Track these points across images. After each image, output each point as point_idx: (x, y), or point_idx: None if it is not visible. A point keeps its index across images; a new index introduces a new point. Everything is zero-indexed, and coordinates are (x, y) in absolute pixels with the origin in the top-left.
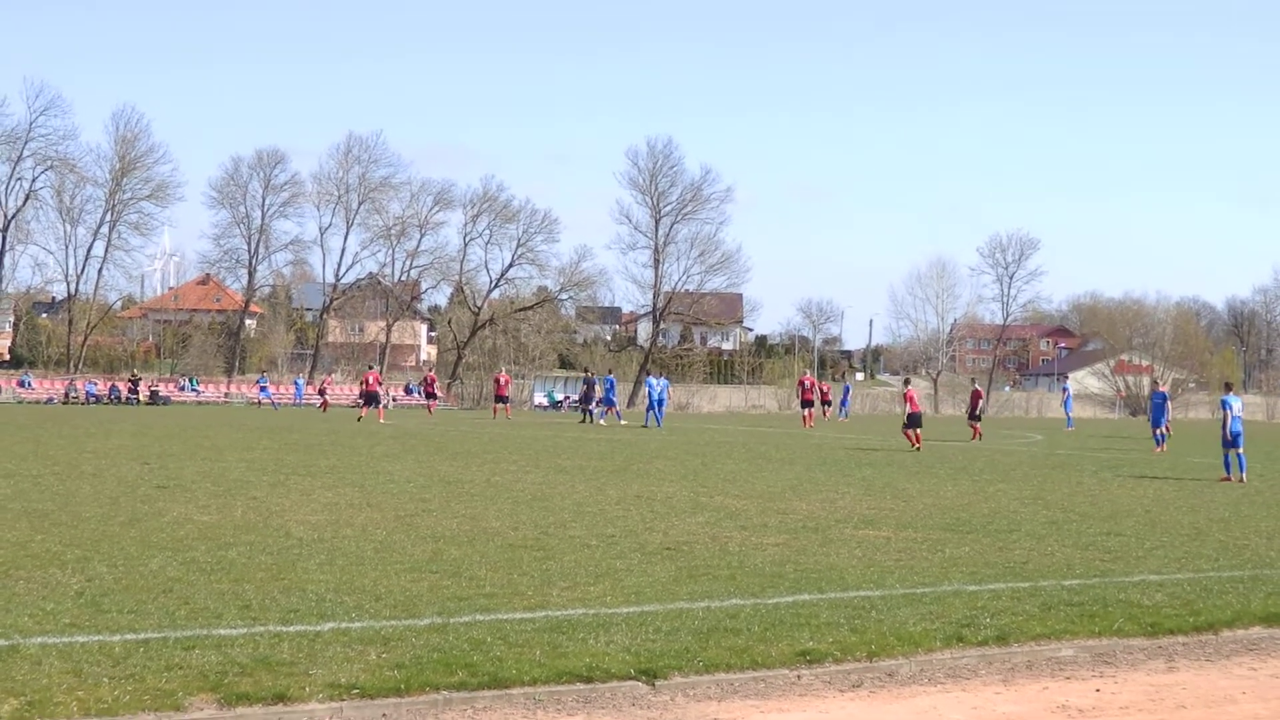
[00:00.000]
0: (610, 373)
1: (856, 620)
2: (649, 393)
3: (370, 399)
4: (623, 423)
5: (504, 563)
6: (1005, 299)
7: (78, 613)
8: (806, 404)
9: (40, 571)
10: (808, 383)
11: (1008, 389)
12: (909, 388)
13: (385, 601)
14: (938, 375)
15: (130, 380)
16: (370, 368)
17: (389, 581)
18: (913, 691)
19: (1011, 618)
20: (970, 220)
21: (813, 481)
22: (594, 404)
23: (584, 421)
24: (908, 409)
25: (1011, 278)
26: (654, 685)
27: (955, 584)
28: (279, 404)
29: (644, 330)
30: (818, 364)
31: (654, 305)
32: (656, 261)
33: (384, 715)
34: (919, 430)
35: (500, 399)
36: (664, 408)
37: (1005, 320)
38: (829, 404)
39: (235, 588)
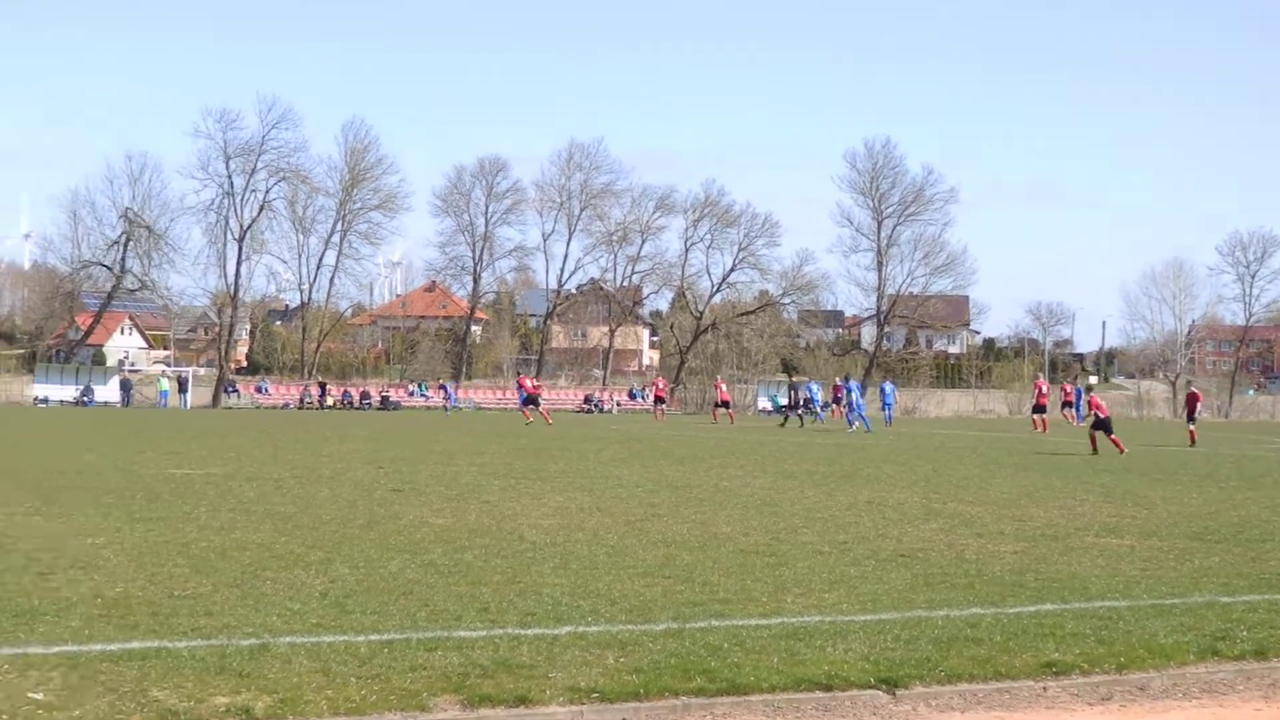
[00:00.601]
0: (811, 379)
1: (1103, 631)
2: (853, 396)
3: (530, 401)
4: (852, 429)
5: (736, 568)
6: (1247, 299)
7: (323, 613)
8: (1038, 409)
9: (285, 573)
10: (1043, 387)
11: (1251, 392)
12: (1092, 394)
13: (620, 606)
14: (1175, 378)
15: (319, 385)
16: (519, 373)
17: (623, 586)
18: (1165, 706)
19: (1270, 631)
20: (1207, 218)
21: (1049, 488)
22: (799, 408)
23: (783, 425)
24: (1095, 414)
25: (1254, 277)
26: (894, 694)
27: (1207, 595)
28: (457, 408)
29: (868, 334)
30: (1048, 367)
31: (878, 308)
32: (879, 264)
33: (624, 719)
34: (1113, 435)
35: (722, 404)
36: (891, 410)
37: (1248, 321)
38: (1070, 405)
39: (473, 590)
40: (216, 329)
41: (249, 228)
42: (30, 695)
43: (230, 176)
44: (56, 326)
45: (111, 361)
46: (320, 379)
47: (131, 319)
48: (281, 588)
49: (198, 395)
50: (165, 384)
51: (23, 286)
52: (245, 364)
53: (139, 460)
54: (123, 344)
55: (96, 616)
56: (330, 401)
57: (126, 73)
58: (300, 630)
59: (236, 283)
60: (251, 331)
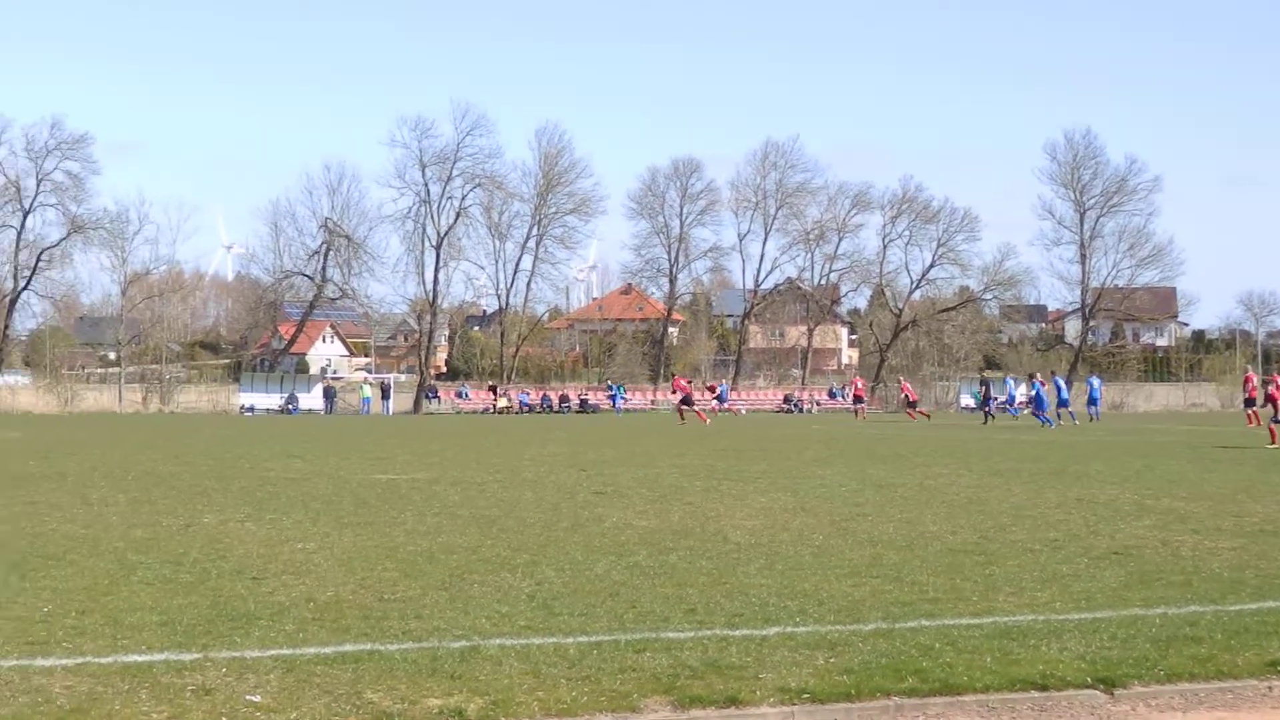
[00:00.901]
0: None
1: None
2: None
3: (686, 401)
4: (1055, 425)
5: (945, 567)
6: None
7: (531, 615)
8: (1249, 402)
9: (493, 575)
10: (1254, 380)
11: None
12: (1248, 372)
13: (828, 606)
14: None
15: (490, 388)
16: (674, 374)
17: (830, 586)
18: None
19: None
20: None
21: (1267, 483)
22: (990, 405)
23: (985, 423)
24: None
25: None
26: (1112, 694)
27: None
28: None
29: (1072, 328)
30: (1261, 359)
31: (1082, 302)
32: (1083, 257)
33: None
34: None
35: (910, 403)
36: (1098, 406)
37: None
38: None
39: (679, 591)
40: (416, 335)
41: (446, 234)
42: (248, 698)
43: (427, 184)
44: (260, 336)
45: (314, 370)
46: (491, 383)
47: (333, 327)
48: (489, 590)
49: (399, 401)
50: (368, 391)
51: (227, 298)
52: (445, 369)
53: (345, 466)
54: (325, 352)
55: (309, 620)
56: (504, 404)
57: (324, 84)
58: (509, 632)
59: (435, 289)
60: (450, 337)
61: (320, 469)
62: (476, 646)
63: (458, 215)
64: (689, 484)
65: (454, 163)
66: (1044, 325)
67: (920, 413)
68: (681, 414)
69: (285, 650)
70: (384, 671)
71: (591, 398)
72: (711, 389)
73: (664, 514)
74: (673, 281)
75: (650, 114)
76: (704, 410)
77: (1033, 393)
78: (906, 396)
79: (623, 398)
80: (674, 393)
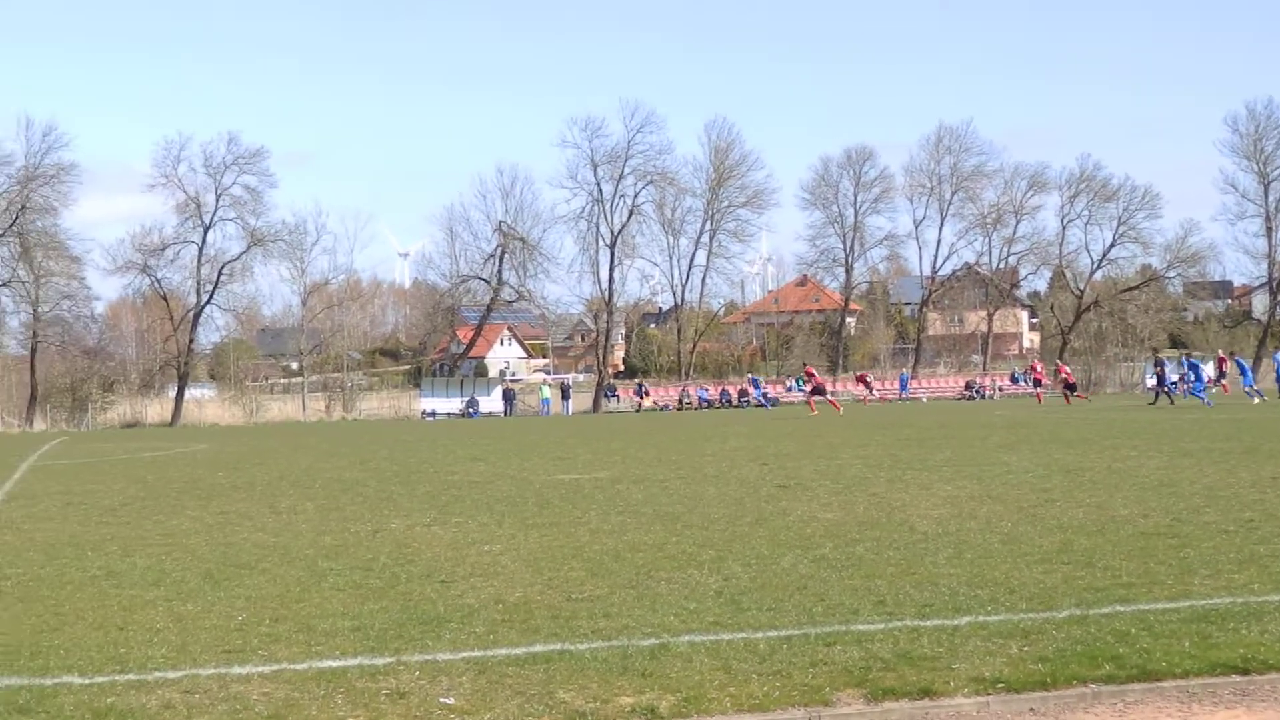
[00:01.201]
0: (1190, 355)
1: None
2: (1241, 371)
3: (818, 390)
4: (1255, 401)
5: (1138, 551)
6: None
7: (719, 611)
8: None
9: (679, 572)
10: None
11: None
12: None
13: (1019, 594)
14: None
15: (636, 385)
16: (805, 364)
17: (1020, 574)
18: None
19: None
20: None
21: None
22: (1164, 385)
23: (1172, 403)
24: None
25: None
26: None
27: None
28: (772, 402)
29: (1260, 303)
30: None
31: (1269, 276)
32: (1269, 230)
33: (1031, 709)
34: None
35: (1069, 387)
36: None
37: None
38: None
39: (867, 583)
40: (593, 335)
41: (619, 233)
42: (442, 700)
43: (599, 184)
44: (439, 341)
45: (493, 373)
46: (639, 380)
47: (510, 329)
48: (676, 587)
49: (578, 401)
50: (547, 392)
51: (405, 304)
52: (622, 368)
53: (527, 468)
54: (503, 355)
55: (499, 622)
56: (649, 404)
57: (493, 88)
58: (698, 629)
59: (610, 288)
60: (627, 336)
61: (503, 471)
62: (666, 644)
63: (631, 213)
64: (873, 474)
65: (625, 161)
66: (1230, 301)
67: (1078, 396)
68: (812, 404)
69: (476, 652)
70: (575, 671)
71: (770, 391)
72: (862, 378)
73: (849, 505)
74: (849, 271)
75: (820, 103)
76: (837, 399)
77: (1188, 370)
78: (1065, 379)
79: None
80: (806, 381)
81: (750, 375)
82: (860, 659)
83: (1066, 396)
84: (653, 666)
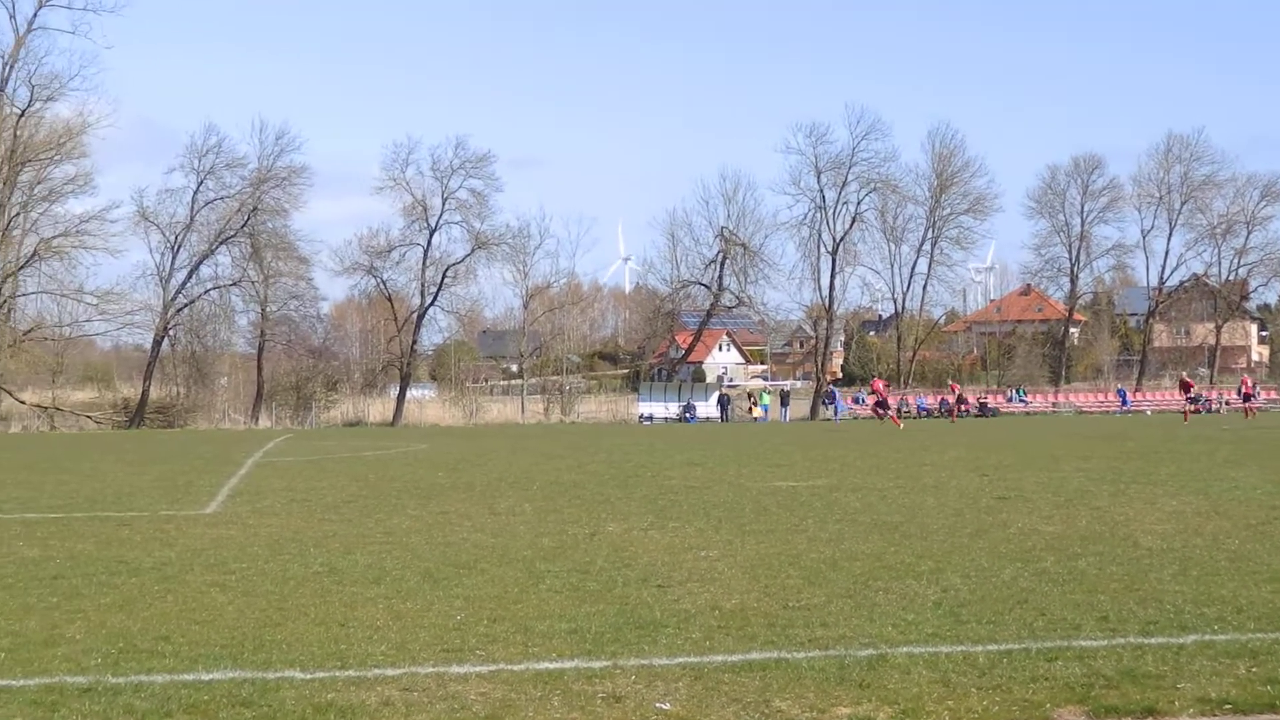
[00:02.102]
0: None
1: None
2: None
3: (882, 404)
4: None
5: None
6: None
7: (938, 623)
8: None
9: (897, 583)
10: None
11: None
12: None
13: (1247, 613)
14: None
15: (747, 395)
16: (876, 375)
17: (1249, 592)
18: None
19: None
20: None
21: None
22: None
23: None
24: None
25: None
26: None
27: None
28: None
29: None
30: None
31: None
32: None
33: None
34: None
35: (1245, 399)
36: None
37: None
38: None
39: (1090, 598)
40: (812, 341)
41: (841, 240)
42: (658, 705)
43: (822, 190)
44: (658, 346)
45: (710, 378)
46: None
47: (729, 335)
48: (894, 598)
49: (796, 408)
50: (765, 398)
51: (624, 308)
52: (840, 375)
53: (744, 474)
54: (721, 360)
55: (715, 628)
56: (756, 413)
57: (718, 95)
58: (916, 640)
59: (831, 295)
60: (846, 343)
61: (720, 476)
62: (884, 655)
63: (853, 220)
64: (1095, 487)
65: (849, 168)
66: None
67: (1252, 408)
68: (880, 415)
69: (693, 658)
70: (791, 680)
71: (991, 400)
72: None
73: (1070, 519)
74: (1074, 281)
75: (1047, 110)
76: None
77: None
78: (1244, 392)
79: (1021, 400)
80: (871, 394)
81: (829, 386)
82: (1082, 676)
83: (1247, 409)
84: (870, 677)
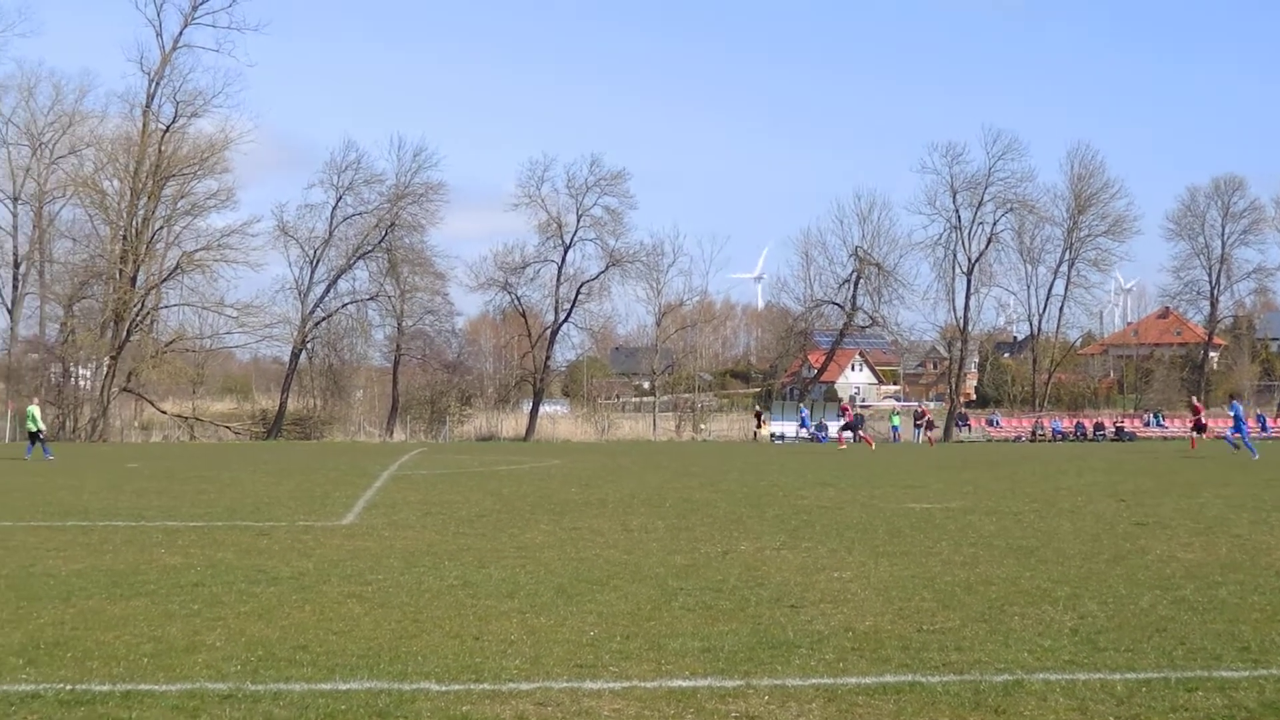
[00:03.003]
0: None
1: None
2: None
3: (849, 427)
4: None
5: None
6: None
7: (1075, 650)
8: None
9: (1033, 608)
10: None
11: None
12: None
13: None
14: None
15: (755, 414)
16: (842, 402)
17: None
18: None
19: None
20: None
21: None
22: None
23: None
24: None
25: None
26: None
27: None
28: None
29: None
30: None
31: None
32: None
33: None
34: None
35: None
36: None
37: None
38: None
39: (1231, 628)
40: (945, 362)
41: (977, 260)
42: None
43: (957, 210)
44: (790, 364)
45: (842, 397)
46: (757, 408)
47: (862, 355)
48: (1030, 623)
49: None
50: (897, 419)
51: (757, 327)
52: (974, 397)
53: (877, 495)
54: (854, 380)
55: (849, 650)
56: (765, 432)
57: (853, 114)
58: (1053, 667)
59: (965, 316)
60: (980, 364)
61: (852, 497)
62: (1020, 680)
63: (989, 240)
64: (1235, 515)
65: (985, 188)
66: None
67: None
68: (841, 440)
69: (826, 679)
70: (926, 704)
71: (1127, 425)
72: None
73: (1210, 546)
74: (1213, 304)
75: (1185, 131)
76: (871, 435)
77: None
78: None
79: (1159, 424)
80: (840, 416)
81: (801, 406)
82: (1223, 707)
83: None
84: (1006, 703)
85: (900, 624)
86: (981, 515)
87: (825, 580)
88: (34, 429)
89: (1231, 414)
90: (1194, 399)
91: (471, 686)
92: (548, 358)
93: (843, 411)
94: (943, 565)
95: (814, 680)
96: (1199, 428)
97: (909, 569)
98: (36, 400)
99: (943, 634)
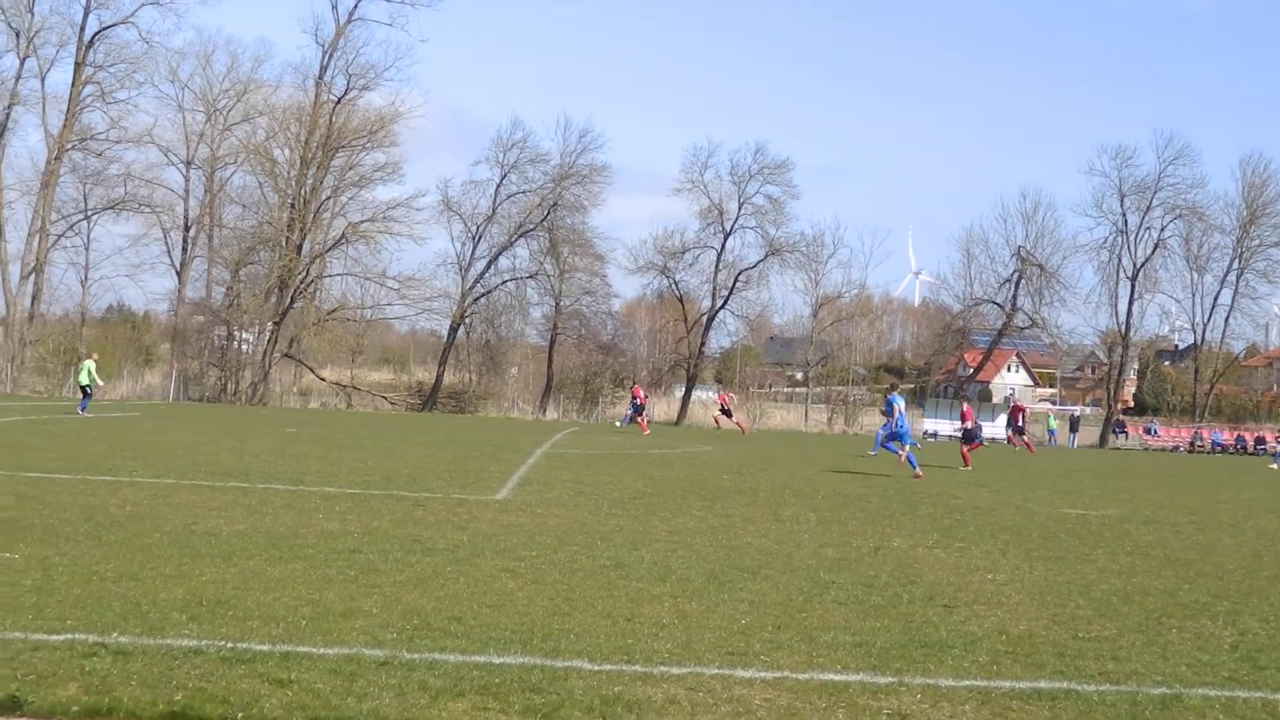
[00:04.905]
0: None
1: None
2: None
3: (638, 410)
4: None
5: None
6: None
7: (1234, 666)
8: None
9: (1191, 621)
10: None
11: None
12: None
13: None
14: None
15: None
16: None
17: None
18: None
19: None
20: None
21: None
22: None
23: None
24: None
25: None
26: None
27: None
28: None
29: None
30: None
31: None
32: None
33: None
34: None
35: None
36: None
37: None
38: None
39: None
40: (1105, 368)
41: (1142, 266)
42: None
43: (1124, 214)
44: (945, 362)
45: (997, 398)
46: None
47: (1019, 356)
48: (1188, 637)
49: (1084, 435)
50: (1054, 422)
51: (913, 322)
52: (1132, 404)
53: (1032, 498)
54: (1009, 381)
55: (1002, 653)
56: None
57: (1025, 114)
58: (1212, 682)
59: (1128, 322)
60: (1140, 371)
61: (1006, 499)
62: (1178, 694)
63: (1155, 247)
64: None
65: (1154, 193)
66: None
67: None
68: (718, 422)
69: (979, 681)
70: (1081, 712)
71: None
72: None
73: None
74: None
75: None
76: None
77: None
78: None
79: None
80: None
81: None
82: None
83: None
84: (1163, 716)
85: (1055, 630)
86: (1139, 524)
87: (979, 581)
88: (85, 383)
89: None
90: None
91: (623, 667)
92: (703, 344)
93: (963, 417)
94: (1099, 573)
95: (967, 681)
96: None
97: (1064, 574)
98: (95, 356)
99: (1099, 642)
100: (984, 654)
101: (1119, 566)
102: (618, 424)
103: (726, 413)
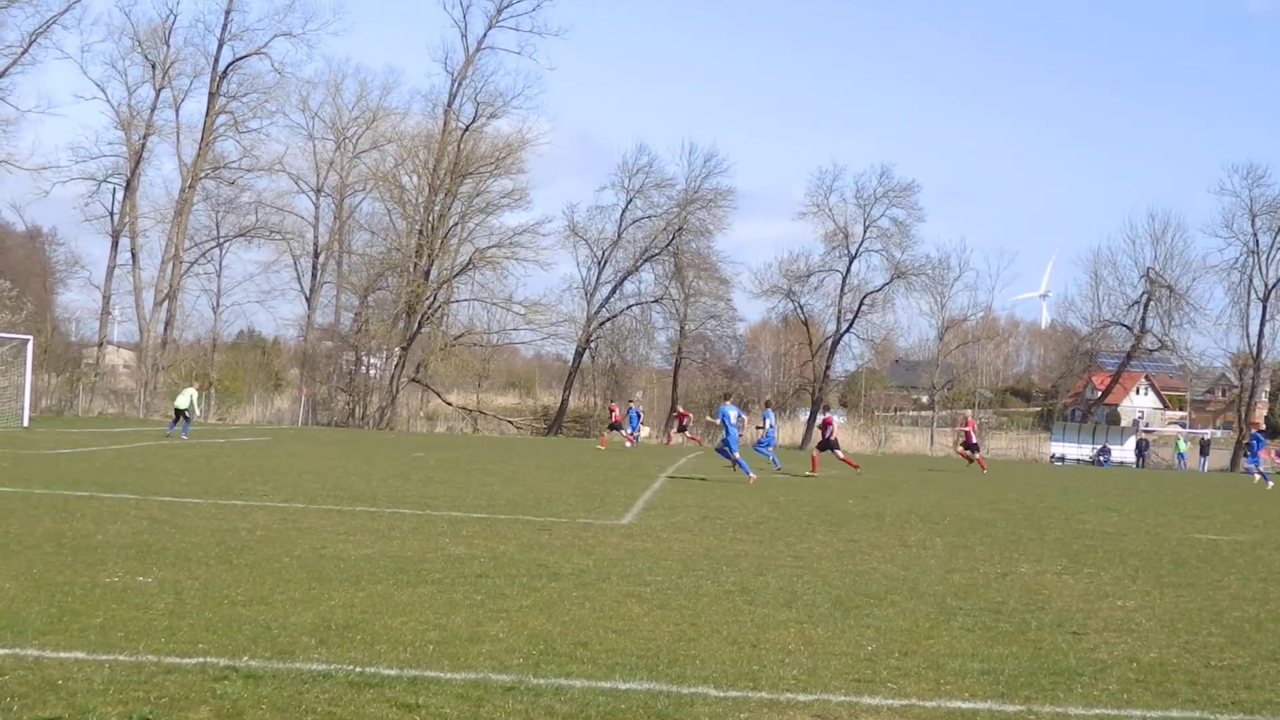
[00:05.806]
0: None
1: None
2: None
3: (614, 427)
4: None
5: None
6: None
7: None
8: None
9: None
10: None
11: None
12: None
13: None
14: None
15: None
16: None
17: None
18: None
19: None
20: None
21: None
22: None
23: None
24: None
25: None
26: None
27: None
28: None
29: None
30: None
31: None
32: None
33: None
34: None
35: None
36: None
37: None
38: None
39: None
40: (1235, 390)
41: (1274, 287)
42: None
43: (1255, 234)
44: (1073, 385)
45: (1126, 421)
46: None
47: (1148, 379)
48: None
49: (1215, 458)
50: (1184, 445)
51: (1040, 345)
52: (1264, 427)
53: (1162, 523)
54: (1138, 404)
55: (1133, 681)
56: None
57: (1152, 132)
58: None
59: (1259, 343)
60: (1272, 394)
61: (1136, 524)
62: None
63: None
64: None
65: None
66: None
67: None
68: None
69: (1109, 710)
70: None
71: None
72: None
73: None
74: None
75: None
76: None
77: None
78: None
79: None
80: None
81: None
82: None
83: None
84: None
85: (1187, 658)
86: (1271, 550)
87: (1108, 608)
88: (184, 407)
89: None
90: None
91: (749, 694)
92: (828, 367)
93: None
94: (1231, 599)
95: (1097, 710)
96: None
97: (1195, 601)
98: (197, 385)
99: (1231, 671)
100: (1114, 682)
101: (1252, 593)
102: (627, 444)
103: (972, 447)
